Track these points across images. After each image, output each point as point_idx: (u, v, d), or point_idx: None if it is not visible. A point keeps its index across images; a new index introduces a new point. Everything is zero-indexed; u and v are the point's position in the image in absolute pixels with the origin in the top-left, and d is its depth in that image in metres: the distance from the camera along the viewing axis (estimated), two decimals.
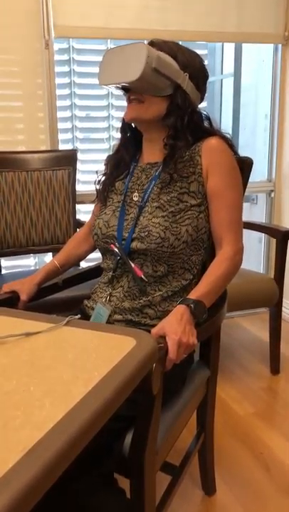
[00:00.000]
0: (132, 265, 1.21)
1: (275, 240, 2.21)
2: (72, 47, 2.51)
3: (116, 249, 1.23)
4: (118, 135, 1.37)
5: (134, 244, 1.21)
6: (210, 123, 1.30)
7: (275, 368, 2.29)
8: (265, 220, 3.00)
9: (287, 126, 2.79)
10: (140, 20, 2.39)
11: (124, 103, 1.26)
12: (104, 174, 1.37)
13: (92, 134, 2.66)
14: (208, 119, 1.31)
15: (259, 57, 2.81)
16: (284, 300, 2.28)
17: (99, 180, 1.37)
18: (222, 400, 2.06)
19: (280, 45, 2.71)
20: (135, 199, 1.27)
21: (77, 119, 2.60)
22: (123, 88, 1.23)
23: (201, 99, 1.30)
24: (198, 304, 1.10)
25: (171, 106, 1.21)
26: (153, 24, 2.41)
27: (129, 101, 1.23)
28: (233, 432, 1.86)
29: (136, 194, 1.28)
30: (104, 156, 1.70)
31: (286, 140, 2.80)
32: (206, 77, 1.29)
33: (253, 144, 3.10)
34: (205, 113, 1.31)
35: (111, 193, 1.34)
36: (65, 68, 2.53)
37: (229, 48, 2.87)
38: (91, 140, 2.66)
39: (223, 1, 2.50)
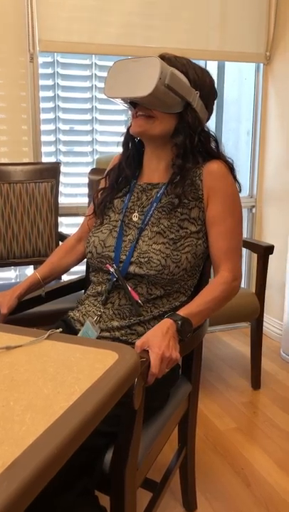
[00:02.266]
0: (129, 288, 1.19)
1: (256, 254, 2.23)
2: (57, 61, 2.53)
3: (112, 271, 1.21)
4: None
5: (132, 269, 1.18)
6: (217, 145, 1.27)
7: (256, 383, 2.30)
8: (247, 235, 3.03)
9: (268, 143, 2.84)
10: (124, 37, 2.42)
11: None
12: (103, 188, 1.34)
13: (75, 147, 2.66)
14: (216, 140, 1.28)
15: (241, 75, 2.86)
16: (265, 315, 2.29)
17: (97, 194, 1.34)
18: (203, 415, 2.05)
19: (261, 64, 2.77)
20: (135, 219, 1.25)
21: (60, 132, 2.60)
22: (131, 102, 1.20)
23: (208, 119, 1.28)
24: (186, 322, 1.08)
25: (181, 124, 1.19)
26: (137, 41, 2.44)
27: (135, 116, 1.20)
28: (214, 447, 1.85)
29: (136, 214, 1.25)
30: (87, 169, 1.71)
31: (267, 156, 2.84)
32: (215, 96, 1.27)
33: (236, 161, 3.14)
34: (213, 133, 1.28)
35: (108, 210, 1.31)
36: (50, 82, 2.53)
37: (212, 66, 2.92)
38: (74, 153, 2.67)
39: (206, 20, 2.55)
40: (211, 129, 1.28)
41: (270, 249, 2.17)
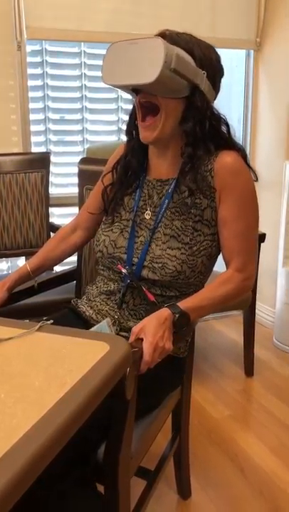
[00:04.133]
0: (144, 289, 1.15)
1: None
2: (46, 49, 2.49)
3: (125, 272, 1.16)
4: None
5: (145, 273, 1.14)
6: (228, 129, 1.17)
7: (249, 371, 2.31)
8: None
9: (259, 131, 2.83)
10: (113, 24, 2.39)
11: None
12: (111, 184, 1.27)
13: (66, 136, 2.64)
14: (226, 123, 1.17)
15: (232, 62, 2.84)
16: (257, 303, 2.30)
17: (106, 188, 1.26)
18: (197, 403, 2.07)
19: (252, 51, 2.76)
20: (147, 217, 1.19)
21: (50, 122, 2.58)
22: (132, 89, 1.10)
23: (215, 98, 1.18)
24: (183, 317, 1.07)
25: (189, 109, 1.09)
26: (126, 28, 2.41)
27: (139, 104, 1.09)
28: (208, 435, 1.86)
29: (148, 213, 1.19)
30: (78, 159, 1.69)
31: (259, 144, 2.83)
32: (221, 74, 1.17)
33: None
34: (223, 116, 1.17)
35: (119, 207, 1.24)
36: (38, 70, 2.50)
37: None
38: (65, 143, 2.64)
39: (196, 7, 2.52)
40: (219, 111, 1.17)
41: (261, 237, 2.17)
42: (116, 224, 1.23)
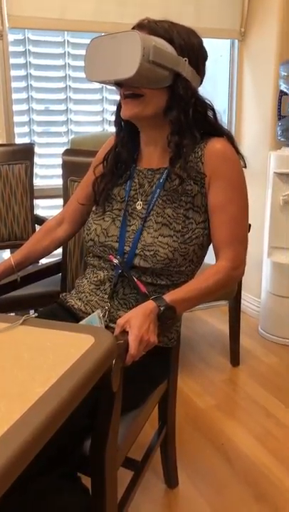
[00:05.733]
0: (136, 280, 1.15)
1: None
2: (28, 38, 2.45)
3: (116, 262, 1.16)
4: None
5: (137, 261, 1.14)
6: (214, 114, 1.17)
7: (235, 360, 2.33)
8: None
9: (244, 121, 2.83)
10: (97, 13, 2.36)
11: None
12: (102, 175, 1.26)
13: (50, 127, 2.61)
14: (212, 108, 1.17)
15: (217, 51, 2.83)
16: (243, 293, 2.31)
17: (96, 178, 1.26)
18: (183, 393, 2.08)
19: (236, 41, 2.75)
20: (139, 207, 1.19)
21: (34, 112, 2.55)
22: (116, 83, 1.10)
23: (201, 82, 1.18)
24: (169, 310, 1.06)
25: (173, 97, 1.10)
26: (110, 17, 2.38)
27: (123, 96, 1.11)
28: (194, 425, 1.88)
29: (139, 203, 1.19)
30: (62, 149, 1.68)
31: (244, 134, 2.84)
32: (205, 57, 1.17)
33: None
34: (208, 101, 1.17)
35: (110, 198, 1.24)
36: (21, 60, 2.46)
37: None
38: (49, 134, 2.62)
39: None
40: (204, 97, 1.17)
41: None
42: (107, 213, 1.23)
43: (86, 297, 1.24)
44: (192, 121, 1.12)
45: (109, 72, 1.06)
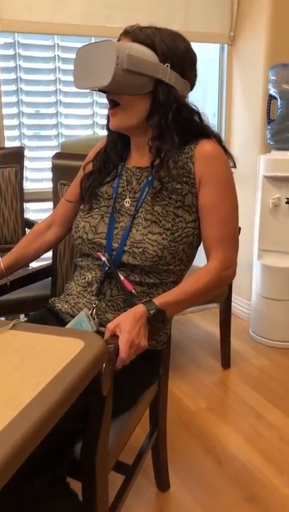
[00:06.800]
0: (122, 278, 1.15)
1: None
2: (18, 42, 2.45)
3: (104, 260, 1.16)
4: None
5: (126, 258, 1.14)
6: (200, 118, 1.19)
7: (226, 363, 2.34)
8: None
9: (234, 124, 2.85)
10: (86, 17, 2.36)
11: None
12: (90, 173, 1.27)
13: (40, 131, 2.61)
14: (198, 113, 1.19)
15: (206, 55, 2.84)
16: (233, 295, 2.32)
17: (85, 175, 1.27)
18: (174, 396, 2.08)
19: (226, 45, 2.76)
20: (127, 205, 1.19)
21: (24, 116, 2.54)
22: (100, 90, 1.13)
23: (192, 86, 1.20)
24: (159, 313, 1.06)
25: (154, 103, 1.12)
26: (100, 20, 2.39)
27: (109, 103, 1.14)
28: (185, 427, 1.88)
29: (128, 200, 1.20)
30: (53, 153, 1.68)
31: (233, 138, 2.85)
32: (193, 60, 1.17)
33: None
34: (194, 107, 1.19)
35: (97, 195, 1.24)
36: (11, 64, 2.46)
37: None
38: (39, 137, 2.61)
39: (170, 0, 2.51)
40: (189, 101, 1.20)
41: None
42: (95, 210, 1.23)
43: (73, 299, 1.23)
44: (173, 126, 1.14)
45: (90, 80, 1.10)
